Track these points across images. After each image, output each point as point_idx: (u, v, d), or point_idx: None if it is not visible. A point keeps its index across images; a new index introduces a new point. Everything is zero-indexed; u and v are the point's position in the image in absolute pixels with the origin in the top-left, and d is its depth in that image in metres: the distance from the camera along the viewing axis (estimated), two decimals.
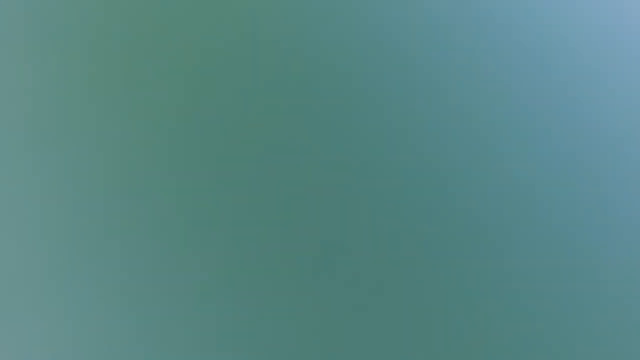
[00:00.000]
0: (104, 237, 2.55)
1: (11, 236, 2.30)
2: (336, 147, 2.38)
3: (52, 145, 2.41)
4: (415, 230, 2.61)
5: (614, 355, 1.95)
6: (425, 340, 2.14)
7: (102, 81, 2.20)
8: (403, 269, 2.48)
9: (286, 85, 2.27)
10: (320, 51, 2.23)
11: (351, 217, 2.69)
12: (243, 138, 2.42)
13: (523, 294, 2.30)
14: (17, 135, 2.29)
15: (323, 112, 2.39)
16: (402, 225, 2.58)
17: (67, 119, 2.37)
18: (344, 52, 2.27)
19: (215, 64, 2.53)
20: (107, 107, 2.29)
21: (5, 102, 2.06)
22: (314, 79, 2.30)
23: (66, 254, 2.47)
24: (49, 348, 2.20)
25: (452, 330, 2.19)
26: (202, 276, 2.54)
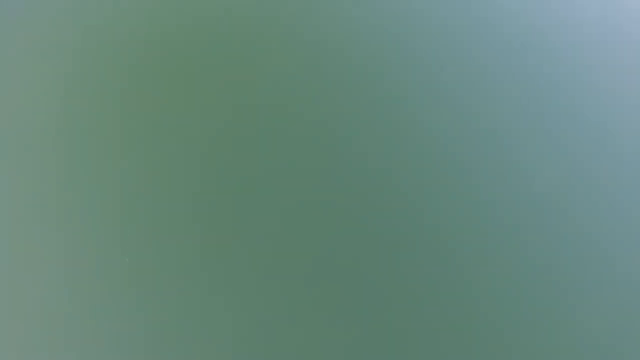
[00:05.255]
0: (104, 237, 2.51)
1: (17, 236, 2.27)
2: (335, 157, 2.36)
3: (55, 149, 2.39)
4: (414, 231, 2.58)
5: (613, 355, 1.93)
6: (425, 340, 2.11)
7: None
8: (403, 269, 2.45)
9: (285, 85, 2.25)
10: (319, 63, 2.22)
11: (351, 217, 2.65)
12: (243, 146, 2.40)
13: (523, 294, 2.27)
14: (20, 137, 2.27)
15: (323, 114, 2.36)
16: (401, 225, 2.54)
17: (70, 124, 2.35)
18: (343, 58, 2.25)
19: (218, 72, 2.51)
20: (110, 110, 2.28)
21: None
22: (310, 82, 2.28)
23: (67, 255, 2.42)
24: (49, 348, 2.17)
25: (452, 330, 2.16)
26: (202, 277, 2.50)
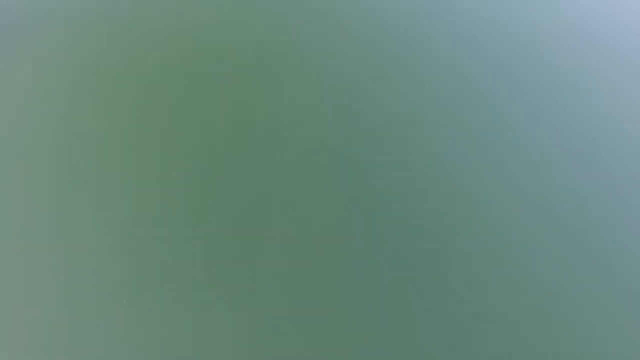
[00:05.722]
0: (104, 237, 2.53)
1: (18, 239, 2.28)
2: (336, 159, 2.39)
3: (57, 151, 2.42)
4: (414, 231, 2.60)
5: (613, 354, 1.94)
6: (423, 341, 2.12)
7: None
8: (403, 270, 2.46)
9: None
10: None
11: (350, 219, 2.67)
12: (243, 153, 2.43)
13: (522, 295, 2.28)
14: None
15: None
16: (401, 226, 2.56)
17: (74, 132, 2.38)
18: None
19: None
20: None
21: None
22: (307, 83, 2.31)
23: (66, 255, 2.44)
24: (49, 347, 2.18)
25: (451, 330, 2.17)
26: (201, 278, 2.51)
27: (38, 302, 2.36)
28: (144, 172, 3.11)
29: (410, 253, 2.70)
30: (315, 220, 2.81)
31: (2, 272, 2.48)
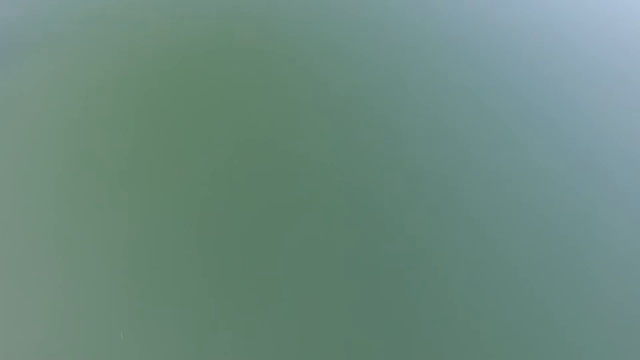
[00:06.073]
0: (105, 240, 2.52)
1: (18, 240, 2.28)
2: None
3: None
4: (413, 232, 2.60)
5: (613, 354, 1.94)
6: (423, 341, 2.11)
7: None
8: (403, 271, 2.46)
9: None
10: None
11: (349, 221, 2.67)
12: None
13: (521, 295, 2.27)
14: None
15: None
16: (400, 226, 2.56)
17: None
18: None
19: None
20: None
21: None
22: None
23: (66, 256, 2.43)
24: (48, 347, 2.17)
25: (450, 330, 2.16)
26: (201, 279, 2.50)
27: (39, 317, 2.35)
28: (146, 184, 3.11)
29: (410, 259, 2.70)
30: (316, 232, 2.82)
31: (4, 285, 2.48)
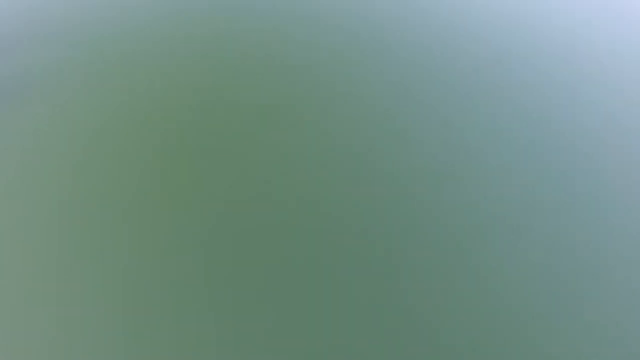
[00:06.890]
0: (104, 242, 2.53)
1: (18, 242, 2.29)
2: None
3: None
4: (413, 231, 2.62)
5: (613, 354, 1.95)
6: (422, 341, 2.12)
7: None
8: (403, 271, 2.47)
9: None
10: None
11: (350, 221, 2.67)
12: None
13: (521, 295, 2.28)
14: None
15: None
16: (400, 226, 2.57)
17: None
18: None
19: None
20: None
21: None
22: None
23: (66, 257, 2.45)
24: (48, 347, 2.19)
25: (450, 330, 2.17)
26: (201, 280, 2.51)
27: (42, 325, 2.36)
28: (149, 219, 3.14)
29: (415, 263, 2.70)
30: (317, 264, 2.83)
31: (7, 312, 2.49)
